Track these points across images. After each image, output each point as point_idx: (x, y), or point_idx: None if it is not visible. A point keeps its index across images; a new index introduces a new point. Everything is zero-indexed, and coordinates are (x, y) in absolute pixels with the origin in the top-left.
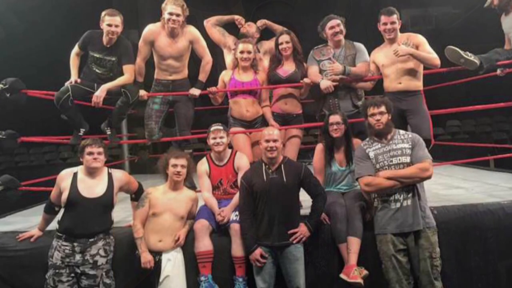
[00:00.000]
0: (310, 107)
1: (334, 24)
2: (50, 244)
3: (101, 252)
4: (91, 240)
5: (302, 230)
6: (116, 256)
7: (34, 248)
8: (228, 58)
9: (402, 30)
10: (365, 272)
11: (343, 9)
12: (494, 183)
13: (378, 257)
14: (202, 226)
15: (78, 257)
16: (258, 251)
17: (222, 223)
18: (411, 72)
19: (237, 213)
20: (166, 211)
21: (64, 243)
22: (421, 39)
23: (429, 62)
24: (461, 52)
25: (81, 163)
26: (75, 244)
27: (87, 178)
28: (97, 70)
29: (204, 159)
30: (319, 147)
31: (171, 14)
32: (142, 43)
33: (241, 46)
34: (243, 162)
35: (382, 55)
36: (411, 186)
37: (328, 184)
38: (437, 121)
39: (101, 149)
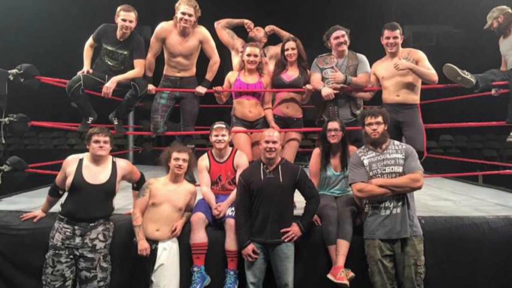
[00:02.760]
0: (310, 113)
1: (339, 35)
2: (52, 226)
3: (100, 236)
4: (92, 224)
5: (294, 229)
6: (114, 241)
7: (36, 229)
8: (235, 60)
9: (404, 45)
10: (351, 274)
11: (349, 20)
12: (481, 198)
13: (365, 260)
14: (199, 219)
15: (78, 240)
16: (250, 247)
17: (218, 217)
18: (409, 86)
19: (233, 208)
20: (165, 202)
21: (66, 226)
22: (421, 55)
23: (427, 78)
24: (459, 70)
25: (87, 150)
26: (76, 227)
27: (92, 165)
28: (109, 63)
29: (205, 155)
30: (316, 151)
31: (183, 14)
32: (154, 39)
33: (248, 50)
34: (242, 160)
35: (382, 68)
36: (401, 195)
37: (322, 187)
38: (431, 135)
39: (107, 138)
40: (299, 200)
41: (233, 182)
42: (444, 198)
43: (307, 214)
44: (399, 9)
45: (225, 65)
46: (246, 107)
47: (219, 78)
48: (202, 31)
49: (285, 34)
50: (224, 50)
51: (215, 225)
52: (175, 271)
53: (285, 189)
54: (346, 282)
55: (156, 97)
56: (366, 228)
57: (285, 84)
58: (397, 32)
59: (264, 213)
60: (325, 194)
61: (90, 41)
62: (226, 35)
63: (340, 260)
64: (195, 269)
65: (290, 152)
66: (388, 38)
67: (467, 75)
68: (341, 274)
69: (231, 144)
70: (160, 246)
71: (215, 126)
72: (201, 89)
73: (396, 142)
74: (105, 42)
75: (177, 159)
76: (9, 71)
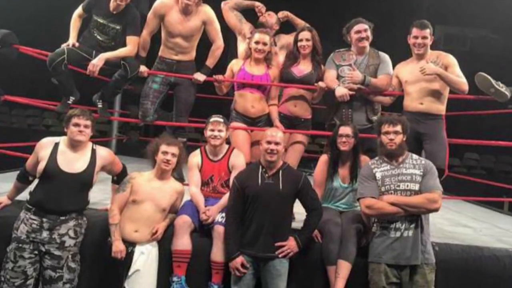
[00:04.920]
0: (320, 114)
1: (361, 29)
2: (17, 215)
3: (71, 232)
4: (62, 218)
5: (291, 244)
6: (86, 239)
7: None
8: (241, 47)
9: (433, 47)
10: None
11: (374, 14)
12: (505, 227)
13: (368, 286)
14: (184, 222)
15: (45, 234)
16: (239, 259)
17: (206, 222)
18: (435, 94)
19: (223, 214)
20: (148, 200)
21: (33, 217)
22: (452, 60)
23: (456, 86)
24: (493, 81)
25: (65, 134)
26: (44, 219)
27: (68, 151)
28: (98, 37)
29: (198, 151)
30: (323, 158)
31: None
32: (152, 15)
33: (257, 36)
34: (239, 161)
35: (407, 71)
36: (415, 216)
37: (326, 199)
38: (455, 151)
39: (88, 122)
40: (298, 211)
41: (226, 184)
42: (463, 224)
43: (307, 229)
44: (431, 6)
45: (229, 52)
46: (248, 101)
47: (221, 67)
48: (207, 11)
49: (300, 22)
50: (229, 35)
51: (202, 231)
52: (152, 279)
53: (284, 198)
54: None
55: (148, 80)
56: (372, 250)
57: (295, 79)
58: (427, 32)
59: (258, 223)
60: (329, 208)
61: (79, 10)
62: (234, 18)
63: (340, 283)
64: (175, 279)
65: (293, 156)
66: (416, 37)
67: (502, 88)
68: None
69: (228, 141)
70: (138, 249)
71: (211, 120)
72: (200, 76)
73: (415, 156)
74: (96, 13)
75: (165, 153)
76: None
